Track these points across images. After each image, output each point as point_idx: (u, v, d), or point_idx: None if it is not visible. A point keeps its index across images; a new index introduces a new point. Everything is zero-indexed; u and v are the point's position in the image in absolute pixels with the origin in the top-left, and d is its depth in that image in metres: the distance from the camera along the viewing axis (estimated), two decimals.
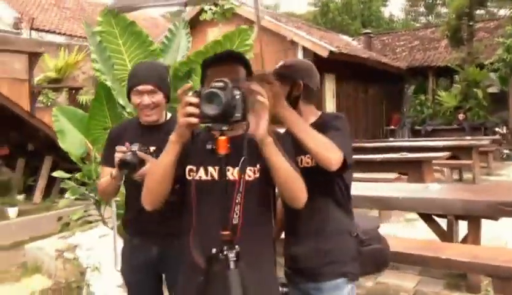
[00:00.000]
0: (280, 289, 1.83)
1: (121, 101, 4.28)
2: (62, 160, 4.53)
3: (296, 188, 1.57)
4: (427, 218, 3.88)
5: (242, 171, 1.50)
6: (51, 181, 7.87)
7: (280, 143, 1.62)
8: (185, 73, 4.36)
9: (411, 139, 12.38)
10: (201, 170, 1.63)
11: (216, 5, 6.86)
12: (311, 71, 1.96)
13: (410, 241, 3.58)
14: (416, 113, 15.05)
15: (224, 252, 1.45)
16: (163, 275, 2.27)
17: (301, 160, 1.87)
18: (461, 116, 12.96)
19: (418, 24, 27.91)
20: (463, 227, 3.58)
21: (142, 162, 1.97)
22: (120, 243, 3.79)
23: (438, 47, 16.57)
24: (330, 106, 12.79)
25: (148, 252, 2.19)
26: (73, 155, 4.60)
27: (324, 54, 11.02)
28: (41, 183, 8.17)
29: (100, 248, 4.31)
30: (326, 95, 12.58)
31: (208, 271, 1.49)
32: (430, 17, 31.20)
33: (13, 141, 8.25)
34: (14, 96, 7.10)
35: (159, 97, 2.15)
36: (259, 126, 1.45)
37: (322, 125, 1.84)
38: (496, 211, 3.12)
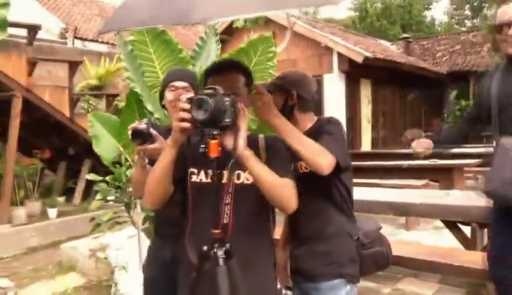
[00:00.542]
0: (284, 291, 1.89)
1: (150, 107, 4.45)
2: (100, 163, 4.74)
3: (282, 197, 1.61)
4: (451, 225, 3.81)
5: (231, 174, 1.59)
6: (90, 184, 8.21)
7: (273, 148, 1.71)
8: (201, 77, 4.49)
9: (446, 145, 12.02)
10: (202, 173, 1.72)
11: None
12: (304, 81, 2.03)
13: (430, 248, 3.55)
14: (456, 119, 14.63)
15: (214, 250, 1.53)
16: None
17: (300, 165, 1.94)
18: None
19: (463, 28, 27.15)
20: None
21: (153, 136, 2.01)
22: (146, 243, 3.96)
23: (480, 51, 16.08)
24: (365, 111, 12.67)
25: (163, 253, 2.28)
26: (105, 159, 4.80)
27: (359, 59, 10.94)
28: (80, 185, 8.53)
29: (128, 248, 4.49)
30: (362, 101, 12.47)
31: (200, 268, 1.56)
32: (475, 20, 30.27)
33: (55, 145, 8.66)
34: (55, 103, 7.47)
35: (191, 95, 2.25)
36: (236, 141, 1.52)
37: (316, 131, 1.92)
38: None
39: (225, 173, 1.65)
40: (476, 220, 3.33)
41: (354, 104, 12.27)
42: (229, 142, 1.53)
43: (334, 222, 1.96)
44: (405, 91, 14.24)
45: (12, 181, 7.06)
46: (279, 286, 1.95)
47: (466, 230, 3.78)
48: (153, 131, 1.98)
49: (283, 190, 1.61)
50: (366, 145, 12.63)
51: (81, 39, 13.33)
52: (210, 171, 1.69)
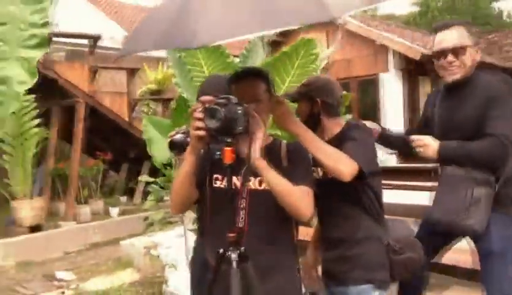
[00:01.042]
0: None
1: None
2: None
3: (296, 205, 1.64)
4: None
5: (244, 179, 1.69)
6: (150, 184, 8.60)
7: (294, 155, 1.77)
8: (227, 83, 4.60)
9: None
10: (225, 179, 1.78)
11: None
12: (328, 87, 2.05)
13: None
14: None
15: (228, 253, 1.63)
16: None
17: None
18: None
19: None
20: None
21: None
22: (192, 242, 4.14)
23: None
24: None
25: (202, 254, 2.43)
26: (157, 161, 5.06)
27: (415, 56, 10.61)
28: (140, 186, 8.96)
29: (177, 247, 4.71)
30: (421, 100, 12.07)
31: (217, 270, 1.66)
32: None
33: (117, 147, 9.16)
34: (115, 108, 7.92)
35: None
36: (250, 150, 1.60)
37: (342, 136, 1.95)
38: None
39: (253, 180, 1.74)
40: None
41: (413, 103, 11.88)
42: (243, 150, 1.62)
43: (363, 226, 1.97)
44: None
45: (77, 181, 7.58)
46: (303, 290, 1.98)
47: None
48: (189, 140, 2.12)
49: (298, 199, 1.64)
50: None
51: None
52: (234, 178, 1.77)
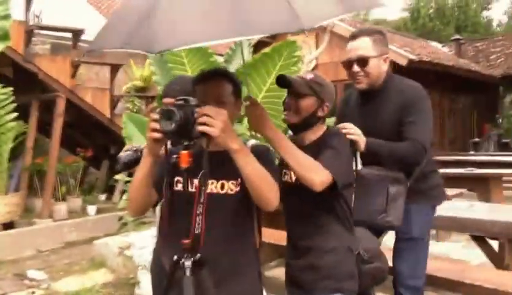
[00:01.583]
0: None
1: None
2: None
3: (267, 190, 1.56)
4: (479, 239, 3.63)
5: (202, 184, 1.60)
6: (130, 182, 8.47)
7: (259, 156, 1.67)
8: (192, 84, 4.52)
9: (490, 153, 11.44)
10: (188, 182, 1.71)
11: None
12: (333, 92, 1.99)
13: (455, 264, 3.40)
14: (509, 125, 13.88)
15: (182, 260, 1.55)
16: None
17: None
18: None
19: None
20: None
21: (135, 161, 2.09)
22: None
23: None
24: None
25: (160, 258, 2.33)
26: None
27: (403, 62, 10.63)
28: (120, 184, 8.80)
29: (151, 248, 4.59)
30: None
31: (171, 278, 1.60)
32: None
33: (98, 144, 9.01)
34: (97, 104, 7.78)
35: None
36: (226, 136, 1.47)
37: (321, 143, 1.89)
38: None
39: (215, 183, 1.68)
40: (498, 236, 3.15)
41: None
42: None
43: (334, 235, 1.93)
44: (455, 94, 13.66)
45: (55, 178, 7.42)
46: (264, 293, 1.93)
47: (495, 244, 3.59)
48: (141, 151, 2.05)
49: (269, 185, 1.57)
50: None
51: None
52: (195, 180, 1.68)
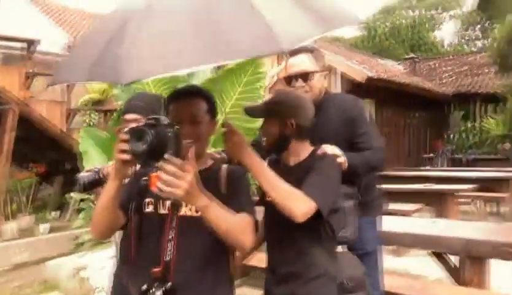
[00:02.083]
0: None
1: None
2: None
3: (236, 237, 1.50)
4: (438, 255, 3.69)
5: (174, 209, 1.53)
6: (83, 199, 8.16)
7: (236, 181, 1.63)
8: (164, 101, 4.43)
9: (444, 168, 11.84)
10: (160, 203, 1.63)
11: None
12: (302, 107, 1.89)
13: (410, 280, 3.41)
14: (461, 141, 14.44)
15: (153, 289, 1.46)
16: None
17: None
18: (506, 145, 12.27)
19: (473, 49, 27.01)
20: None
21: (96, 183, 1.99)
22: None
23: (487, 73, 15.92)
24: None
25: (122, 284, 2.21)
26: None
27: (361, 79, 10.86)
28: (73, 201, 8.48)
29: (109, 269, 4.41)
30: None
31: None
32: (486, 41, 30.07)
33: (52, 159, 8.66)
34: (52, 118, 7.48)
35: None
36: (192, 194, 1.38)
37: (307, 165, 1.81)
38: (503, 252, 2.93)
39: (168, 203, 1.59)
40: (459, 253, 3.20)
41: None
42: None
43: (318, 263, 1.83)
44: (409, 111, 14.09)
45: (4, 195, 7.04)
46: None
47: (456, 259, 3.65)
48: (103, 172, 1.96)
49: (239, 232, 1.50)
50: None
51: None
52: (167, 202, 1.60)
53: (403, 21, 26.46)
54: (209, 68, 5.13)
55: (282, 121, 1.83)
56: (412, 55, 18.47)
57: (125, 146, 1.40)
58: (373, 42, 25.34)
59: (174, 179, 1.32)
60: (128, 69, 1.25)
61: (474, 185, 6.12)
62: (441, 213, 5.34)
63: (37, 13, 12.97)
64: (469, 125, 14.70)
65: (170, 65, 1.25)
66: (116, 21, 1.44)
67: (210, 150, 2.13)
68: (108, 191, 1.52)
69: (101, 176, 2.02)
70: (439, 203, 5.43)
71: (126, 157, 1.40)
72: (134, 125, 2.14)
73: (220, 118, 4.54)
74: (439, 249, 3.29)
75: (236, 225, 1.49)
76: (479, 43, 30.78)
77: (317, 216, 1.65)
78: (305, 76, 2.23)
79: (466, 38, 31.23)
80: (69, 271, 5.08)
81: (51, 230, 7.54)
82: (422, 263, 4.92)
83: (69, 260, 5.29)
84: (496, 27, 26.22)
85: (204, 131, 1.62)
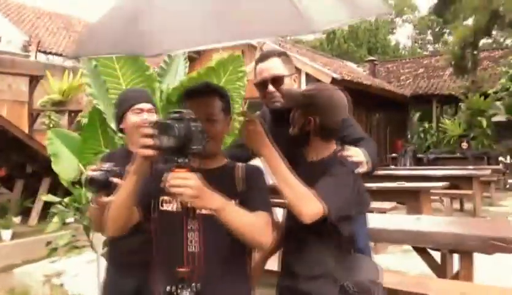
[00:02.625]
0: None
1: (114, 126, 4.25)
2: (60, 182, 4.48)
3: (255, 237, 1.49)
4: (421, 251, 3.77)
5: (190, 210, 1.50)
6: (49, 203, 7.82)
7: (253, 179, 1.61)
8: (178, 98, 4.34)
9: (412, 167, 12.23)
10: (176, 201, 1.57)
11: None
12: (330, 108, 1.83)
13: (398, 276, 3.46)
14: (420, 141, 14.96)
15: (178, 291, 1.41)
16: None
17: None
18: (464, 145, 12.82)
19: (425, 52, 28.05)
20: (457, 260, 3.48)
21: (112, 184, 1.90)
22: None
23: (443, 75, 16.60)
24: None
25: (125, 284, 2.11)
26: (64, 178, 4.56)
27: (327, 80, 11.03)
28: (37, 205, 8.12)
29: (87, 275, 4.25)
30: None
31: None
32: (438, 45, 31.34)
33: (12, 162, 8.24)
34: (13, 118, 7.13)
35: (155, 118, 2.15)
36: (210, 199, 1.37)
37: (326, 166, 1.78)
38: (489, 246, 3.04)
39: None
40: (448, 247, 3.29)
41: None
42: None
43: (321, 263, 1.82)
44: (371, 112, 14.46)
45: None
46: None
47: (436, 255, 3.75)
48: (113, 180, 1.87)
49: (258, 232, 1.48)
50: None
51: (45, 52, 12.93)
52: None
53: (361, 24, 27.15)
54: (181, 67, 5.07)
55: (306, 116, 1.82)
56: (371, 58, 18.97)
57: (148, 141, 1.36)
58: (332, 45, 25.87)
59: (180, 184, 1.31)
60: (152, 43, 1.23)
61: (445, 183, 6.34)
62: (415, 210, 5.48)
63: None
64: (427, 125, 15.25)
65: (194, 41, 1.24)
66: None
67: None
68: (127, 187, 1.48)
69: (109, 175, 1.92)
70: (415, 200, 5.58)
71: (150, 152, 1.36)
72: (150, 115, 2.09)
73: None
74: (430, 245, 3.36)
75: (253, 225, 1.47)
76: (430, 47, 32.09)
77: (325, 219, 1.64)
78: (276, 81, 2.17)
79: (420, 42, 32.44)
80: (39, 279, 4.86)
81: (14, 236, 7.18)
82: (399, 260, 5.04)
83: (39, 267, 5.05)
84: (447, 32, 27.36)
85: (219, 129, 1.60)
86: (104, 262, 3.73)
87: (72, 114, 8.39)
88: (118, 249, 2.15)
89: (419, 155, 13.79)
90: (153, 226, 1.59)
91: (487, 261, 3.51)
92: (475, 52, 14.21)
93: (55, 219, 4.49)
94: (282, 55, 2.27)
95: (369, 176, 2.02)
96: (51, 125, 9.49)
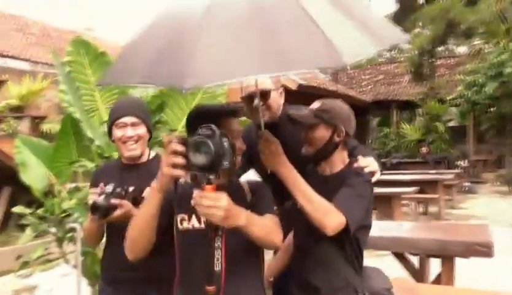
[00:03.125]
0: None
1: (89, 133, 4.12)
2: (22, 191, 4.29)
3: (270, 238, 1.51)
4: (399, 256, 3.86)
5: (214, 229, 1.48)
6: (10, 214, 7.49)
7: (258, 192, 1.65)
8: (157, 106, 4.26)
9: (385, 172, 12.53)
10: (193, 218, 1.57)
11: None
12: (350, 117, 1.89)
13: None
14: (381, 145, 15.37)
15: None
16: None
17: None
18: (424, 149, 13.28)
19: (382, 59, 28.87)
20: (434, 265, 3.57)
21: (114, 206, 1.86)
22: (83, 283, 3.60)
23: (402, 82, 17.13)
24: None
25: None
26: (35, 188, 4.38)
27: (293, 87, 11.15)
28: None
29: (61, 289, 4.09)
30: None
31: None
32: (393, 52, 32.33)
33: None
34: None
35: (142, 130, 2.11)
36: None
37: (342, 178, 1.80)
38: (470, 251, 3.15)
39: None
40: (432, 253, 3.39)
41: None
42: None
43: (341, 276, 1.83)
44: None
45: None
46: None
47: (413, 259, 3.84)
48: (114, 201, 1.85)
49: (271, 232, 1.51)
50: None
51: (0, 55, 12.40)
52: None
53: None
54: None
55: (334, 128, 1.83)
56: None
57: (179, 160, 1.33)
58: None
59: (211, 205, 1.29)
60: (188, 76, 1.21)
61: (416, 188, 6.53)
62: (387, 216, 5.61)
63: None
64: (387, 130, 15.69)
65: (231, 73, 1.22)
66: (172, 27, 1.40)
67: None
68: (149, 208, 1.45)
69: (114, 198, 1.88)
70: (387, 205, 5.71)
71: (181, 172, 1.34)
72: (131, 128, 2.04)
73: (180, 131, 4.37)
74: (413, 251, 3.45)
75: (269, 227, 1.51)
76: (387, 54, 33.05)
77: (345, 230, 1.66)
78: (263, 95, 2.18)
79: None
80: (7, 294, 4.63)
81: None
82: (375, 265, 5.12)
83: (5, 282, 4.81)
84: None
85: (239, 146, 1.60)
86: (81, 277, 3.62)
87: (35, 121, 8.06)
88: (117, 266, 2.07)
89: (383, 160, 14.14)
90: (176, 245, 1.58)
91: (465, 265, 3.64)
92: (432, 60, 14.76)
93: (28, 231, 4.30)
94: None
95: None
96: (10, 131, 9.12)
